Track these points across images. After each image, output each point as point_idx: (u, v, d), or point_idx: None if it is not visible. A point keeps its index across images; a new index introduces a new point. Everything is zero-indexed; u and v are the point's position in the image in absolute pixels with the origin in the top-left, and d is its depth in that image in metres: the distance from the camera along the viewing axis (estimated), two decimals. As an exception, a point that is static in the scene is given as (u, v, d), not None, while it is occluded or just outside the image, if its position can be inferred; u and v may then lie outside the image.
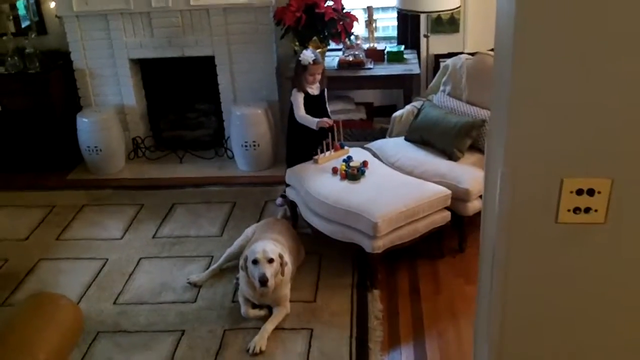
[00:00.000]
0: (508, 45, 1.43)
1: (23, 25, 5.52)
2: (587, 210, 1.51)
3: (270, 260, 3.31)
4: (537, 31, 1.37)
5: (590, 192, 1.49)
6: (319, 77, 4.23)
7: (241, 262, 3.48)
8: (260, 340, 3.24)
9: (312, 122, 4.14)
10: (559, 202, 1.51)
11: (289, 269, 3.49)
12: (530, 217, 1.55)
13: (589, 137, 1.45)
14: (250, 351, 3.20)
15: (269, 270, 3.30)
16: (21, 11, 5.51)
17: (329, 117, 4.27)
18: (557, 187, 1.50)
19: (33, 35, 5.33)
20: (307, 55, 4.15)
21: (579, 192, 1.49)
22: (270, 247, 3.38)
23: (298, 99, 4.20)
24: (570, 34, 1.36)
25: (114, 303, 3.70)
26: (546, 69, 1.40)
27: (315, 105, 4.23)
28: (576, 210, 1.51)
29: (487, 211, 1.76)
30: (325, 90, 4.35)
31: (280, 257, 3.39)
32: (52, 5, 5.34)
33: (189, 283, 3.79)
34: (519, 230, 1.57)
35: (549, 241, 1.57)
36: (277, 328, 3.36)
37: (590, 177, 1.48)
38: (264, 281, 3.27)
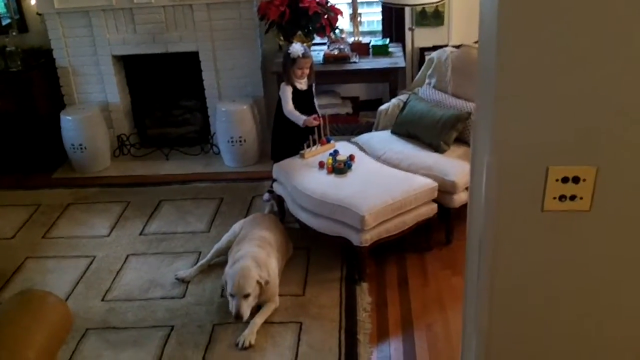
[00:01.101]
0: (492, 36, 1.43)
1: (3, 24, 5.46)
2: (573, 197, 1.52)
3: (247, 295, 3.25)
4: (522, 21, 1.38)
5: (576, 180, 1.50)
6: (307, 71, 4.22)
7: (223, 278, 3.44)
8: (249, 335, 3.24)
9: (299, 118, 4.14)
10: (545, 190, 1.52)
11: (274, 273, 3.46)
12: (517, 205, 1.56)
13: (574, 126, 1.46)
14: (240, 345, 3.20)
15: (245, 305, 3.23)
16: (1, 9, 5.45)
17: (317, 112, 4.27)
18: (542, 175, 1.51)
19: (14, 33, 5.27)
20: (297, 48, 4.15)
21: (565, 180, 1.51)
22: (248, 277, 3.24)
23: (286, 93, 4.19)
24: (554, 24, 1.37)
25: (102, 300, 3.68)
26: (531, 59, 1.41)
27: (303, 101, 4.23)
28: (562, 198, 1.53)
29: (474, 201, 1.77)
30: (314, 85, 4.35)
31: (259, 283, 3.29)
32: (33, 2, 5.29)
33: (177, 279, 3.79)
34: (506, 219, 1.58)
35: (535, 229, 1.58)
36: (267, 322, 3.37)
37: (575, 165, 1.49)
38: (238, 317, 3.23)
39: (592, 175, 1.50)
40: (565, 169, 1.50)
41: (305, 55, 4.15)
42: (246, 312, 3.24)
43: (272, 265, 3.48)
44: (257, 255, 3.43)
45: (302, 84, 4.25)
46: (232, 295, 3.27)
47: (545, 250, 1.60)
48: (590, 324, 1.68)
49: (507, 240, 1.60)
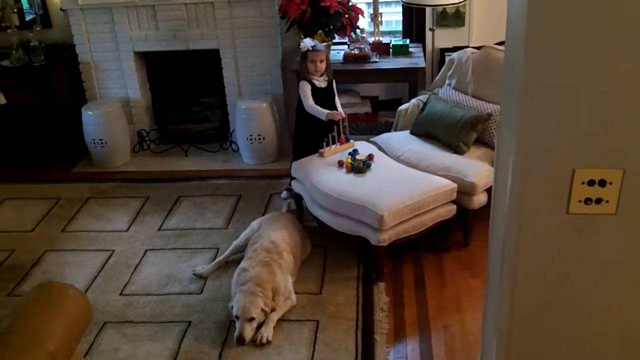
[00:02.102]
0: (520, 36, 1.43)
1: (27, 19, 5.52)
2: (599, 201, 1.52)
3: (251, 319, 3.24)
4: (551, 21, 1.37)
5: (602, 183, 1.50)
6: (321, 65, 4.21)
7: (234, 277, 3.48)
8: (266, 331, 3.25)
9: (322, 113, 4.13)
10: (570, 192, 1.52)
11: (280, 283, 3.42)
12: (541, 207, 1.55)
13: (601, 128, 1.45)
14: (257, 342, 3.21)
15: (248, 329, 3.22)
16: (25, 4, 5.51)
17: (338, 110, 4.27)
18: (568, 177, 1.50)
19: (38, 29, 5.32)
20: (306, 42, 4.20)
21: (591, 182, 1.50)
22: (253, 303, 3.23)
23: (305, 89, 4.19)
24: (583, 25, 1.36)
25: (121, 294, 3.71)
26: (559, 60, 1.40)
27: (323, 98, 4.22)
28: (587, 201, 1.52)
29: (497, 202, 1.76)
30: (334, 82, 4.34)
31: (263, 310, 3.28)
32: (57, -2, 5.35)
33: (195, 275, 3.80)
34: (530, 221, 1.58)
35: (559, 232, 1.57)
36: (284, 319, 3.37)
37: (602, 168, 1.49)
38: (240, 341, 3.21)
39: (618, 178, 1.49)
40: (592, 172, 1.49)
41: (315, 48, 4.17)
42: (248, 336, 3.22)
43: (278, 278, 3.43)
44: (260, 278, 3.35)
45: (320, 82, 4.25)
46: (236, 317, 3.26)
47: (569, 253, 1.59)
48: (614, 328, 1.67)
49: (530, 242, 1.60)
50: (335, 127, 4.13)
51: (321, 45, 4.28)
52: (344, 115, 4.16)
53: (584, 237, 1.57)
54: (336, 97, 4.35)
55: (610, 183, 1.49)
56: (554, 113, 1.45)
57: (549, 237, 1.58)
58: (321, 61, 4.21)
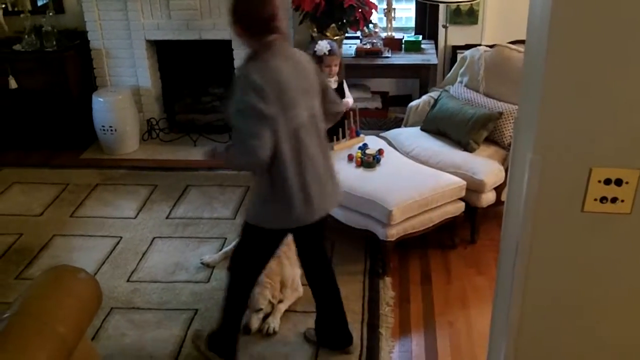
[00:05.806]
0: (543, 37, 1.43)
1: (40, 4, 5.53)
2: (614, 200, 1.52)
3: (258, 310, 3.26)
4: (573, 21, 1.38)
5: (618, 182, 1.50)
6: (335, 69, 4.13)
7: None
8: (273, 321, 3.27)
9: None
10: (587, 190, 1.53)
11: (289, 274, 3.43)
12: (557, 204, 1.56)
13: (620, 128, 1.46)
14: (264, 332, 3.24)
15: (255, 319, 3.25)
16: (38, -11, 5.52)
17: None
18: (585, 175, 1.51)
19: (50, 14, 5.33)
20: (323, 45, 4.09)
21: (607, 181, 1.51)
22: (261, 295, 3.25)
23: None
24: (604, 25, 1.37)
25: (128, 280, 3.73)
26: (580, 60, 1.41)
27: None
28: (603, 199, 1.53)
29: (511, 199, 1.77)
30: (345, 82, 4.29)
31: (271, 302, 3.31)
32: (71, -17, 5.35)
33: (202, 263, 3.82)
34: (545, 218, 1.58)
35: (574, 229, 1.58)
36: (290, 310, 3.39)
37: (618, 168, 1.49)
38: (246, 331, 3.22)
39: (634, 178, 1.50)
40: (609, 171, 1.50)
41: (331, 52, 4.05)
42: (255, 326, 3.24)
43: (286, 270, 3.44)
44: (269, 270, 3.32)
45: (331, 82, 4.22)
46: None
47: (583, 251, 1.60)
48: (625, 326, 1.68)
49: (545, 239, 1.61)
50: (345, 120, 4.12)
51: (337, 48, 4.16)
52: (350, 105, 4.13)
53: (598, 235, 1.58)
54: (346, 95, 4.31)
55: (627, 182, 1.50)
56: (574, 113, 1.46)
57: (564, 234, 1.59)
58: (336, 65, 4.13)
